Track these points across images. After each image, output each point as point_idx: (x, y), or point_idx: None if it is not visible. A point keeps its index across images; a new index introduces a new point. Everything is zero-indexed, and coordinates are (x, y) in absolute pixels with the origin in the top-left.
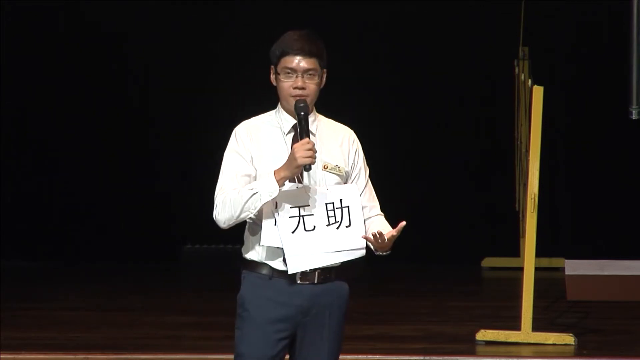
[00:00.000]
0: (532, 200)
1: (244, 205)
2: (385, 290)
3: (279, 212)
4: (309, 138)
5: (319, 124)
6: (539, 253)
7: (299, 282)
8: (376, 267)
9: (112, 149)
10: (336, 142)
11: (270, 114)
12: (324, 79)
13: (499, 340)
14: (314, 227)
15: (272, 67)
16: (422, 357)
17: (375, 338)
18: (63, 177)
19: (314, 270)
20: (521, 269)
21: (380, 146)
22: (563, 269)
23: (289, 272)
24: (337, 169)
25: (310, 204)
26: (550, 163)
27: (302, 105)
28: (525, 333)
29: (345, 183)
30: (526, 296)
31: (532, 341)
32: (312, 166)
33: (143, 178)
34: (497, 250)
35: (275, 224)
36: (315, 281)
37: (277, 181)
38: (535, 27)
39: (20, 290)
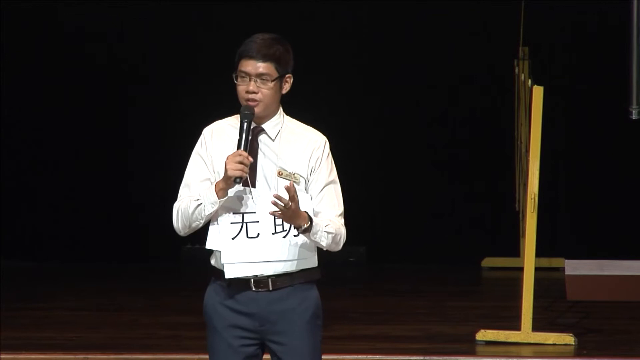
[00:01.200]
0: (532, 200)
1: (192, 215)
2: (385, 290)
3: (222, 218)
4: (246, 149)
5: (284, 128)
6: (539, 253)
7: (253, 289)
8: (376, 266)
9: (112, 147)
10: (299, 148)
11: (236, 116)
12: (287, 85)
13: (499, 340)
14: (258, 234)
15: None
16: (422, 357)
17: (375, 338)
18: (62, 176)
19: (268, 277)
20: (521, 269)
21: (380, 146)
22: (563, 269)
23: (225, 277)
24: (293, 176)
25: (257, 210)
26: (551, 163)
27: (246, 112)
28: (525, 333)
29: (305, 191)
30: (526, 296)
31: (532, 341)
32: (268, 172)
33: (143, 177)
34: (497, 250)
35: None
36: (270, 288)
37: (217, 192)
38: (535, 27)
39: (20, 290)
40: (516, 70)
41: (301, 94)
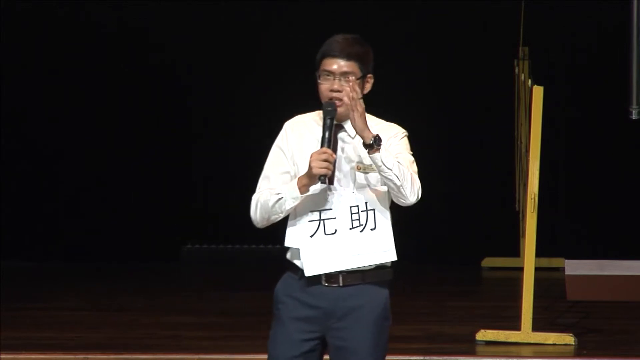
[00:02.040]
0: (532, 200)
1: (271, 208)
2: None
3: (299, 216)
4: (329, 147)
5: None
6: (539, 253)
7: (324, 284)
8: None
9: (111, 149)
10: None
11: (318, 112)
12: (368, 85)
13: (499, 340)
14: (335, 230)
15: (317, 71)
16: (422, 357)
17: None
18: (62, 176)
19: (339, 272)
20: (521, 269)
21: None
22: (563, 269)
23: (305, 275)
24: (371, 167)
25: (333, 207)
26: (551, 163)
27: (329, 109)
28: (525, 333)
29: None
30: (526, 296)
31: (532, 341)
32: (348, 168)
33: (142, 178)
34: (497, 250)
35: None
36: (341, 284)
37: (299, 188)
38: (535, 27)
39: (20, 290)
40: (516, 70)
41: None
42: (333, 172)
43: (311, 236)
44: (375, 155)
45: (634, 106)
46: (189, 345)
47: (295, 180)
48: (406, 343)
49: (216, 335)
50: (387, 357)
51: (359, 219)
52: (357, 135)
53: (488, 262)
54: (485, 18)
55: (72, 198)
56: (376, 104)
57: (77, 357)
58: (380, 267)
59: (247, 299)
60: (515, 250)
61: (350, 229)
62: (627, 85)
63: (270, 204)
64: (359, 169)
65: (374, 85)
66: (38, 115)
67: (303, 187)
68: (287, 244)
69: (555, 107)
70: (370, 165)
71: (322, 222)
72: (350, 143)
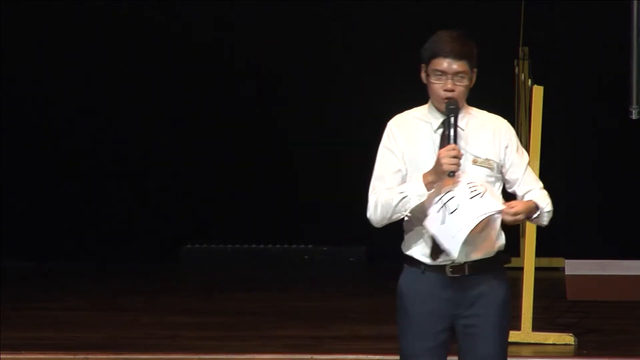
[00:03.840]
0: None
1: (395, 207)
2: (385, 290)
3: (426, 210)
4: (456, 143)
5: (469, 118)
6: (539, 253)
7: (449, 274)
8: (376, 266)
9: (109, 149)
10: (487, 134)
11: (421, 109)
12: (474, 78)
13: None
14: (457, 205)
15: (423, 65)
16: None
17: (375, 338)
18: (62, 176)
19: (465, 262)
20: (521, 269)
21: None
22: (563, 269)
23: (456, 261)
24: (487, 162)
25: (451, 189)
26: (551, 162)
27: (452, 107)
28: (525, 333)
29: (499, 175)
30: (526, 296)
31: (532, 341)
32: (462, 160)
33: (140, 177)
34: None
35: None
36: (466, 272)
37: (425, 185)
38: (535, 27)
39: (19, 290)
40: (516, 70)
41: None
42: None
43: (442, 223)
44: (540, 219)
45: (634, 106)
46: (188, 345)
47: (420, 178)
48: (396, 342)
49: (215, 335)
50: (387, 357)
51: (476, 189)
52: (467, 127)
53: None
54: (485, 18)
55: (71, 198)
56: (369, 101)
57: (77, 357)
58: (498, 254)
59: (246, 298)
60: (515, 250)
61: (470, 198)
62: (627, 85)
63: (394, 203)
64: (475, 162)
65: (371, 84)
66: (38, 112)
67: (429, 184)
68: (431, 230)
69: (556, 106)
70: (487, 159)
71: (444, 206)
72: (461, 136)
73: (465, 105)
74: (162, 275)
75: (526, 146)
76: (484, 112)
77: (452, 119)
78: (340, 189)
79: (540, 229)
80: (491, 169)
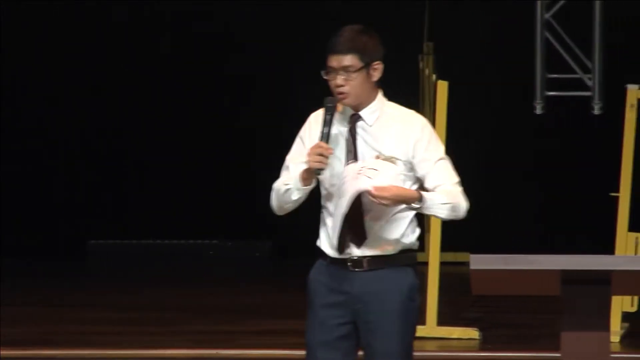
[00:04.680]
0: None
1: (282, 197)
2: (291, 286)
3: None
4: (327, 142)
5: (381, 114)
6: (444, 248)
7: (350, 269)
8: (281, 261)
9: (15, 146)
10: (396, 131)
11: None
12: (377, 73)
13: None
14: (343, 182)
15: None
16: None
17: (282, 333)
18: None
19: (364, 257)
20: (426, 264)
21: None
22: (468, 264)
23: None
24: (390, 159)
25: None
26: (457, 157)
27: (329, 105)
28: (430, 327)
29: (410, 173)
30: (431, 291)
31: (437, 335)
32: (368, 156)
33: (49, 172)
34: None
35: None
36: (365, 267)
37: (302, 180)
38: (442, 23)
39: None
40: (421, 66)
41: None
42: (354, 161)
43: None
44: (425, 209)
45: (538, 101)
46: (95, 340)
47: (300, 172)
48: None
49: (123, 331)
50: (295, 352)
51: (365, 170)
52: (375, 123)
53: None
54: (391, 14)
55: None
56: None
57: None
58: (403, 251)
59: (153, 294)
60: (420, 244)
61: (356, 174)
62: (532, 81)
63: (281, 193)
64: (378, 158)
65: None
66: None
67: (305, 180)
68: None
69: (460, 101)
70: (390, 157)
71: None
72: (368, 131)
73: (382, 100)
74: (69, 271)
75: None
76: (401, 109)
77: (327, 117)
78: (247, 185)
79: (445, 224)
80: (395, 164)
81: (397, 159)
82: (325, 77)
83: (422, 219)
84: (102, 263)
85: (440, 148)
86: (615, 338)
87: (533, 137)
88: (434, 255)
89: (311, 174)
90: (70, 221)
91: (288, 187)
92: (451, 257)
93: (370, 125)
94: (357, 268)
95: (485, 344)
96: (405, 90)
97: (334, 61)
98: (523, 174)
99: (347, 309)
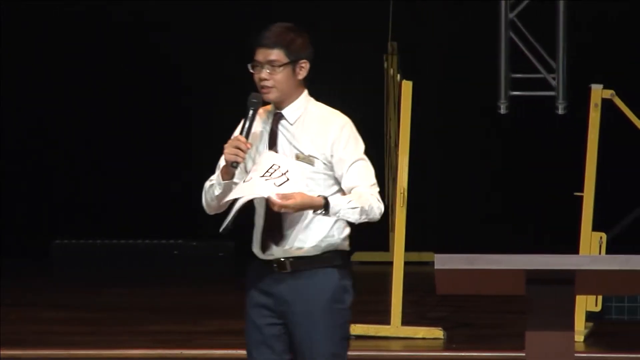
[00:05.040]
0: (402, 194)
1: (207, 194)
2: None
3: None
4: (247, 136)
5: (304, 112)
6: (409, 247)
7: (275, 270)
8: (244, 261)
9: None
10: (317, 130)
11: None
12: (303, 71)
13: (369, 334)
14: (251, 178)
15: None
16: None
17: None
18: None
19: (287, 258)
20: (391, 264)
21: None
22: (433, 263)
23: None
24: (309, 158)
25: (258, 162)
26: (420, 157)
27: (254, 101)
28: (395, 327)
29: (330, 172)
30: (395, 290)
31: (402, 335)
32: (288, 155)
33: (12, 172)
34: (366, 244)
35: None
36: (288, 269)
37: (222, 175)
38: (406, 23)
39: None
40: (385, 65)
41: None
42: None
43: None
44: (332, 214)
45: (502, 101)
46: (57, 340)
47: (222, 167)
48: None
49: (85, 331)
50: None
51: (271, 174)
52: (297, 122)
53: (358, 256)
54: (355, 13)
55: None
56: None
57: None
58: (328, 252)
59: (116, 294)
60: (384, 244)
61: (260, 176)
62: (496, 81)
63: (206, 189)
64: (297, 158)
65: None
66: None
67: (224, 175)
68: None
69: (426, 102)
70: (308, 156)
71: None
72: (289, 130)
73: (307, 99)
74: (32, 271)
75: (395, 141)
76: (325, 108)
77: (250, 112)
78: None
79: (409, 224)
80: (312, 165)
81: (316, 158)
82: (251, 71)
83: (386, 219)
84: (65, 263)
85: (360, 149)
86: (579, 337)
87: (497, 137)
88: (398, 255)
89: (229, 167)
90: (34, 221)
91: (212, 182)
92: (415, 256)
93: (292, 124)
94: (282, 270)
95: (450, 343)
96: (370, 90)
97: (260, 55)
98: (488, 174)
99: (274, 310)
